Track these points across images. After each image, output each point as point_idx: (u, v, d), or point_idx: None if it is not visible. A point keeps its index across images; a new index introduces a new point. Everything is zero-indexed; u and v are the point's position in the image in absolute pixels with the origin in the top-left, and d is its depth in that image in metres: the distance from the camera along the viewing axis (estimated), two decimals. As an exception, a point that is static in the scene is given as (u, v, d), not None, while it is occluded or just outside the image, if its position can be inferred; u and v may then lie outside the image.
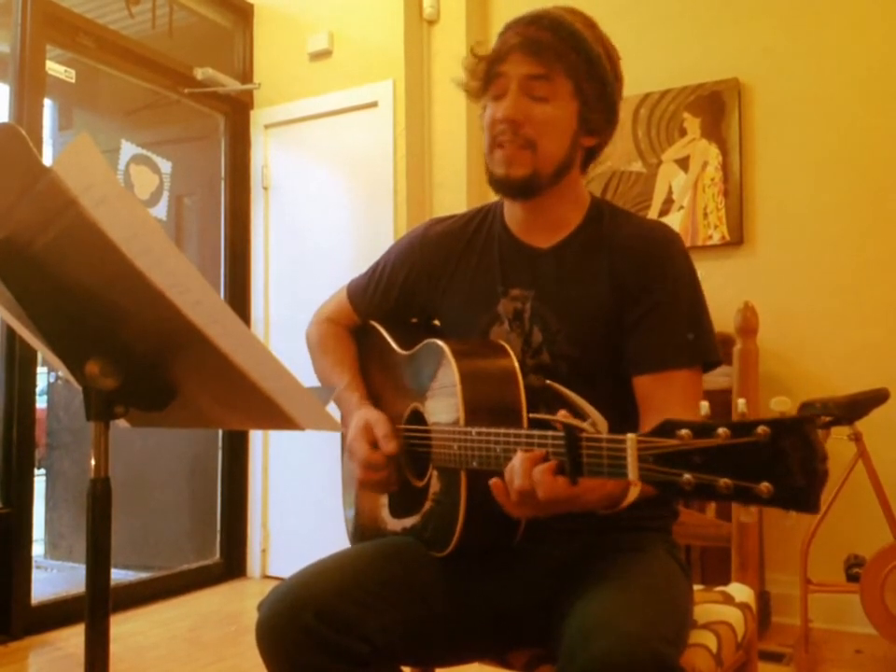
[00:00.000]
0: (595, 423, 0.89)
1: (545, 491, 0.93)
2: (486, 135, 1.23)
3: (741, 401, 0.75)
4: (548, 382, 0.98)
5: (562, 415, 0.92)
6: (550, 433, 0.94)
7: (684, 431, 0.76)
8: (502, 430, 1.02)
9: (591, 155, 1.27)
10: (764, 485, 0.70)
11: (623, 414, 1.19)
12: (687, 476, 0.75)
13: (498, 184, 1.23)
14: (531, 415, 0.98)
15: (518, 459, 0.96)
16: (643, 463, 0.80)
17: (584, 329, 1.21)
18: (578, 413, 0.92)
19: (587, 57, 1.18)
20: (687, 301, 1.20)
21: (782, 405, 0.72)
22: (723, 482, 0.73)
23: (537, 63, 1.17)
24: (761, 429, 0.71)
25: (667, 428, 0.78)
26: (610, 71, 1.21)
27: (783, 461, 0.70)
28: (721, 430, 0.73)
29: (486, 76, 1.21)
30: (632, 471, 0.81)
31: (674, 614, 1.05)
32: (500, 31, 1.22)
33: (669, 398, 1.15)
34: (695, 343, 1.19)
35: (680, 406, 1.14)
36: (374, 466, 1.23)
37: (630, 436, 0.82)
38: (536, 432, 0.97)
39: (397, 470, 1.25)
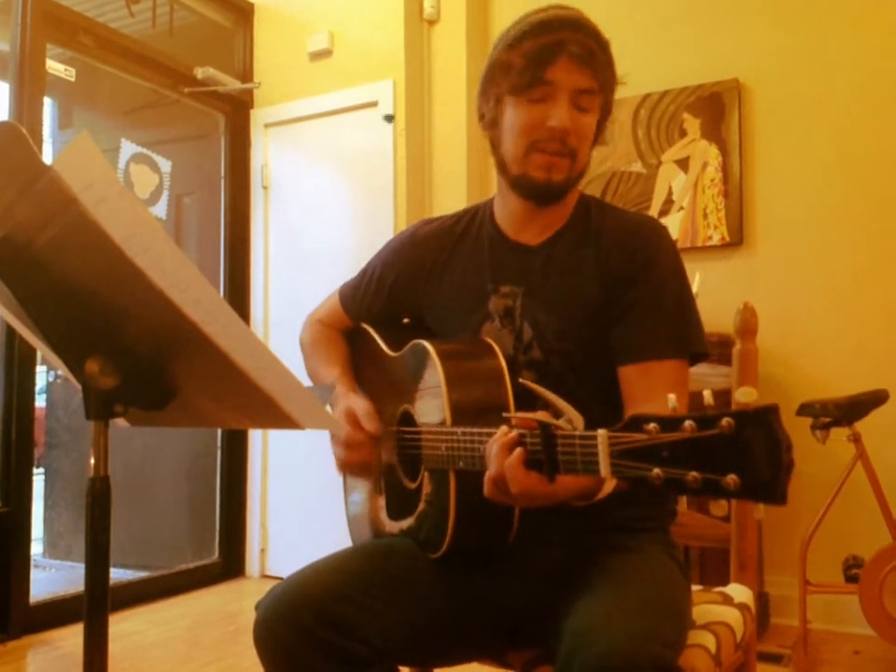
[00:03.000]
0: (572, 420, 0.89)
1: (517, 485, 0.94)
2: (520, 137, 1.19)
3: (706, 392, 0.75)
4: (521, 380, 0.98)
5: (540, 414, 0.92)
6: (528, 431, 0.94)
7: (651, 426, 0.76)
8: (486, 430, 1.02)
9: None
10: (731, 478, 0.70)
11: (617, 407, 1.19)
12: (656, 471, 0.75)
13: (535, 187, 1.22)
14: (505, 415, 0.98)
15: (491, 446, 0.97)
16: (614, 459, 0.80)
17: (573, 322, 1.21)
18: (554, 410, 0.91)
19: (614, 71, 1.21)
20: (673, 292, 1.20)
21: (747, 396, 0.72)
22: (692, 475, 0.73)
23: (589, 76, 1.16)
24: (725, 421, 0.71)
25: (635, 423, 0.78)
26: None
27: (748, 453, 0.70)
28: (687, 424, 0.73)
29: (532, 76, 1.16)
30: (604, 468, 0.81)
31: (672, 615, 1.04)
32: (539, 27, 1.15)
33: (654, 389, 1.14)
34: (681, 333, 1.19)
35: (663, 395, 1.14)
36: (354, 444, 1.23)
37: (601, 432, 0.82)
38: (516, 431, 0.96)
39: (377, 453, 1.26)
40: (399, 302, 1.40)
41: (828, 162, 2.93)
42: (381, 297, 1.40)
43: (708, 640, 1.14)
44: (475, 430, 1.04)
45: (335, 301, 1.48)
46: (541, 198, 1.24)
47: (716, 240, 3.06)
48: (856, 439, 2.45)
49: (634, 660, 0.89)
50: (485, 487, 0.98)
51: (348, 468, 1.29)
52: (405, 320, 1.43)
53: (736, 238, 3.03)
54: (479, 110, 1.27)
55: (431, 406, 1.17)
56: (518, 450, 0.94)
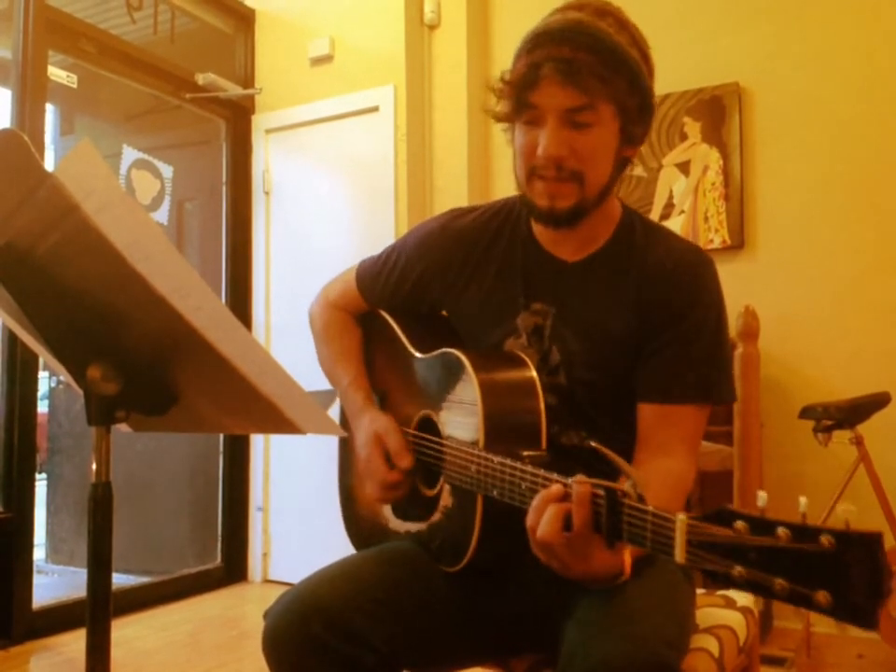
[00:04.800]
0: (636, 484, 0.87)
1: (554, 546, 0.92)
2: (521, 162, 1.15)
3: (803, 500, 0.73)
4: (592, 443, 0.94)
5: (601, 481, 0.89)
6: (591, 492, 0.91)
7: (740, 524, 0.74)
8: (529, 468, 0.99)
9: (627, 161, 1.21)
10: (822, 595, 0.68)
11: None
12: (739, 569, 0.73)
13: (541, 215, 1.16)
14: (573, 480, 0.92)
15: (540, 501, 0.93)
16: (692, 547, 0.78)
17: (604, 354, 1.17)
18: (617, 471, 0.89)
19: (629, 74, 1.10)
20: (711, 335, 1.16)
21: (848, 512, 0.71)
22: (779, 582, 0.71)
23: (577, 93, 1.07)
24: (825, 539, 0.69)
25: (722, 517, 0.76)
26: (648, 74, 1.15)
27: (846, 575, 0.68)
28: (781, 531, 0.71)
29: (517, 102, 1.11)
30: (679, 553, 0.79)
31: (675, 618, 1.04)
32: (526, 43, 1.11)
33: (672, 433, 1.13)
34: (710, 379, 1.15)
35: (680, 445, 1.13)
36: (393, 485, 1.21)
37: (680, 517, 0.79)
38: (570, 481, 0.93)
39: (410, 483, 1.24)
40: (420, 296, 1.34)
41: (828, 166, 2.93)
42: (403, 287, 1.34)
43: (711, 644, 1.14)
44: (516, 465, 1.01)
45: (351, 281, 1.42)
46: (551, 224, 1.17)
47: (717, 243, 3.06)
48: (858, 441, 2.44)
49: (635, 661, 0.89)
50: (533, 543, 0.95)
51: (382, 502, 1.28)
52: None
53: (737, 241, 3.03)
54: (505, 128, 1.21)
55: (462, 422, 1.14)
56: (555, 508, 0.91)
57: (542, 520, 0.91)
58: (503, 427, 1.10)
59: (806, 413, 2.44)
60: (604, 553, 0.91)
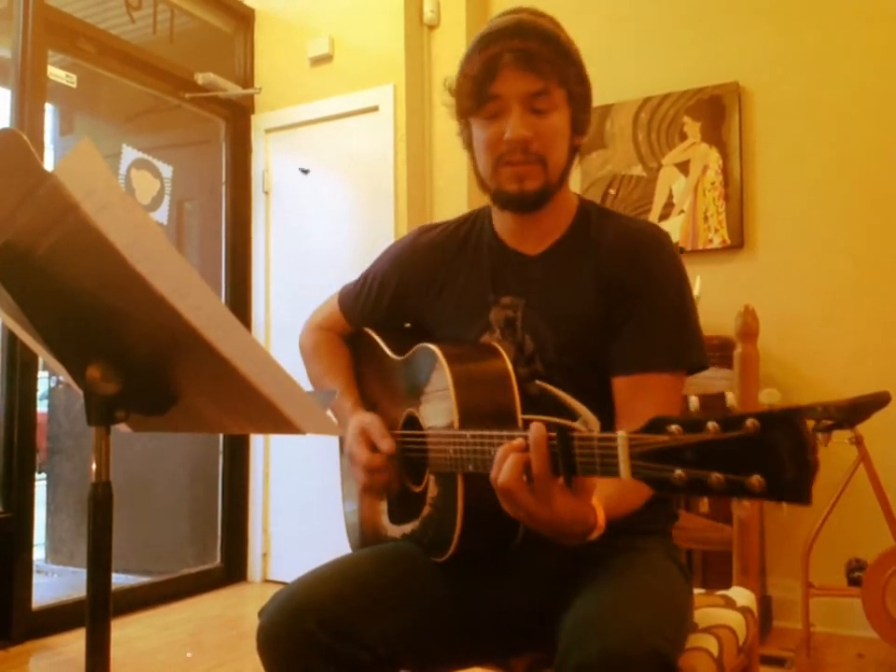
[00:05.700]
0: (587, 422, 0.90)
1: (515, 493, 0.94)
2: (486, 155, 1.21)
3: (730, 395, 0.76)
4: (538, 382, 0.98)
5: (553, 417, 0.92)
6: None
7: (674, 427, 0.77)
8: (496, 432, 1.02)
9: (577, 151, 1.28)
10: (756, 479, 0.70)
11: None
12: (679, 472, 0.75)
13: (511, 200, 1.22)
14: (523, 416, 0.96)
15: (501, 452, 0.96)
16: (635, 460, 0.80)
17: (573, 337, 1.21)
18: (570, 412, 0.92)
19: (575, 63, 1.19)
20: (672, 303, 1.19)
21: (771, 397, 0.72)
22: (715, 476, 0.73)
23: (535, 78, 1.16)
24: (750, 422, 0.71)
25: (657, 425, 0.79)
26: (584, 66, 1.23)
27: (773, 454, 0.70)
28: (710, 425, 0.73)
29: (479, 96, 1.19)
30: (624, 469, 0.81)
31: (672, 612, 1.04)
32: (478, 45, 1.19)
33: (647, 402, 1.14)
34: (678, 346, 1.18)
35: (657, 412, 1.14)
36: (377, 468, 1.23)
37: (621, 433, 0.82)
38: (521, 438, 0.95)
39: (397, 471, 1.25)
40: (399, 310, 1.39)
41: (828, 165, 2.93)
42: (381, 305, 1.40)
43: (711, 644, 1.14)
44: (484, 433, 1.03)
45: (334, 305, 1.48)
46: (520, 208, 1.23)
47: (717, 243, 3.06)
48: (858, 441, 2.44)
49: (632, 654, 0.90)
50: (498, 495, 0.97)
51: (372, 491, 1.28)
52: (406, 325, 1.43)
53: (737, 241, 3.03)
54: (459, 132, 1.30)
55: (438, 409, 1.16)
56: (515, 456, 0.93)
57: (503, 468, 0.94)
58: (477, 407, 1.12)
59: (806, 412, 2.42)
60: (566, 497, 0.93)
